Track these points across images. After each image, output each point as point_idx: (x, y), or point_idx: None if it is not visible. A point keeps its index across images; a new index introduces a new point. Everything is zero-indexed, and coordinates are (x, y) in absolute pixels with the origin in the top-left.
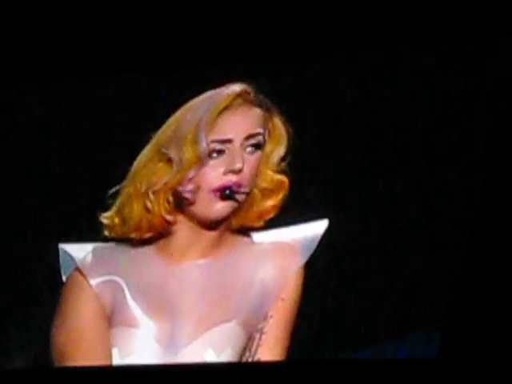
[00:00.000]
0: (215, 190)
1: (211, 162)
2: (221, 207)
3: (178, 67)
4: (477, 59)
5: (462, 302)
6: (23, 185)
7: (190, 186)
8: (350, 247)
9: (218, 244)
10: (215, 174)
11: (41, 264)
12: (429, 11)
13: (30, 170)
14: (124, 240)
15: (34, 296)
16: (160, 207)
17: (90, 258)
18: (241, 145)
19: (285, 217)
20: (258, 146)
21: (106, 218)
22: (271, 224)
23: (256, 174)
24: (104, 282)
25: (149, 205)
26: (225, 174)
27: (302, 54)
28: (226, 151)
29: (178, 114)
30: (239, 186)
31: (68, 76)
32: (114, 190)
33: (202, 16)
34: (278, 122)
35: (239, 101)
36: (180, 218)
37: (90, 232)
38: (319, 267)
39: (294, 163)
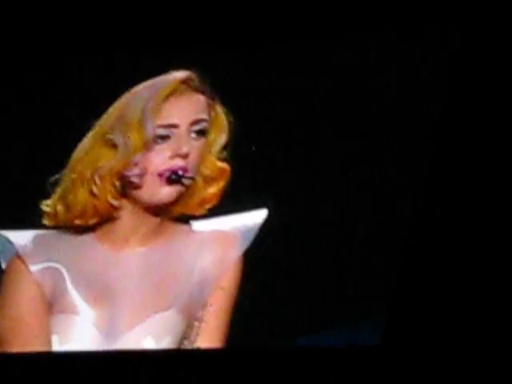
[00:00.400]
0: (161, 174)
1: (157, 147)
2: (166, 191)
3: (121, 54)
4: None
5: (404, 289)
6: None
7: (136, 171)
8: (289, 236)
9: (158, 232)
10: (161, 159)
11: None
12: None
13: None
14: (65, 227)
15: None
16: (106, 192)
17: (30, 244)
18: (186, 130)
19: (225, 206)
20: (202, 132)
21: (47, 205)
22: (212, 213)
23: (200, 160)
24: (44, 269)
25: (94, 189)
26: (171, 158)
27: (243, 43)
28: (172, 136)
29: (122, 100)
30: (185, 170)
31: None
32: (54, 177)
33: (149, 2)
34: (220, 111)
35: (183, 87)
36: (124, 203)
37: (30, 220)
38: (258, 256)
39: (234, 152)
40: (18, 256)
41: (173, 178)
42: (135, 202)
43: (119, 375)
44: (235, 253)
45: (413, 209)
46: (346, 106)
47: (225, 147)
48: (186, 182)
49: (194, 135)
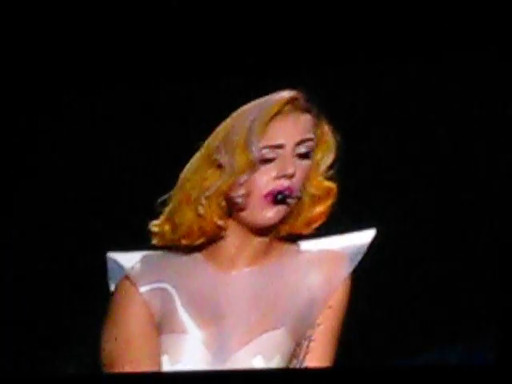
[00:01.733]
0: (266, 195)
1: (262, 168)
2: (272, 213)
3: (229, 75)
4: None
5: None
6: (73, 193)
7: (242, 191)
8: (397, 255)
9: (266, 252)
10: (267, 179)
11: (90, 273)
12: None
13: (80, 177)
14: (173, 248)
15: (83, 305)
16: (212, 212)
17: (138, 265)
18: (292, 150)
19: (333, 225)
20: (308, 152)
21: (155, 225)
22: (319, 233)
23: (306, 180)
24: (153, 290)
25: (201, 210)
26: (276, 178)
27: (352, 61)
28: (278, 157)
29: (229, 120)
30: (291, 190)
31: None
32: (163, 198)
33: (257, 24)
34: (326, 129)
35: (289, 107)
36: (230, 224)
37: (139, 241)
38: (366, 275)
39: (342, 171)
40: (127, 277)
41: (278, 198)
42: (241, 222)
43: None
44: (343, 272)
45: None
46: (455, 127)
47: (331, 166)
48: (291, 202)
49: (300, 155)
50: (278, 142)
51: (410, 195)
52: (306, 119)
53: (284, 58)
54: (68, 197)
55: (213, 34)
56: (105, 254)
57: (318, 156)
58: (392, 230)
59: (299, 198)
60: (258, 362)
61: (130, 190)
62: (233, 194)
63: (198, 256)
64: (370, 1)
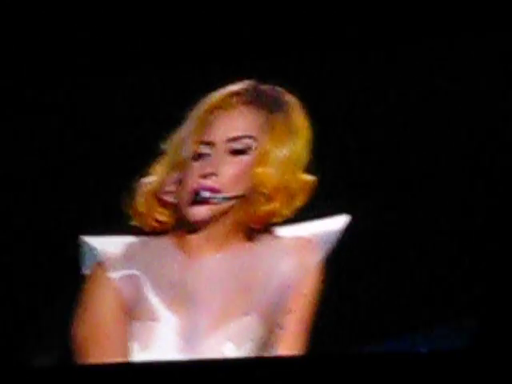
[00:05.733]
0: (190, 194)
1: (194, 164)
2: (197, 211)
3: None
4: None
5: (494, 291)
6: (45, 176)
7: (171, 188)
8: (369, 240)
9: (236, 238)
10: (193, 178)
11: (62, 257)
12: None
13: (52, 160)
14: (145, 234)
15: (56, 290)
16: (148, 207)
17: (110, 251)
18: (223, 147)
19: (305, 211)
20: (245, 149)
21: (127, 206)
22: (292, 219)
23: (243, 177)
24: (125, 276)
25: (139, 207)
26: (200, 177)
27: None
28: (209, 154)
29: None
30: (214, 190)
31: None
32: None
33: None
34: (284, 122)
35: (236, 100)
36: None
37: (113, 224)
38: (339, 261)
39: (315, 159)
40: (99, 263)
41: (197, 198)
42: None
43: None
44: (316, 259)
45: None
46: (424, 113)
47: (293, 157)
48: (216, 201)
49: (233, 152)
50: (208, 138)
51: (381, 179)
52: (252, 113)
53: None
54: (42, 179)
55: (171, 24)
56: (78, 237)
57: (268, 149)
58: (366, 215)
59: (229, 198)
60: (229, 349)
61: (106, 171)
62: (163, 191)
63: (169, 243)
64: None
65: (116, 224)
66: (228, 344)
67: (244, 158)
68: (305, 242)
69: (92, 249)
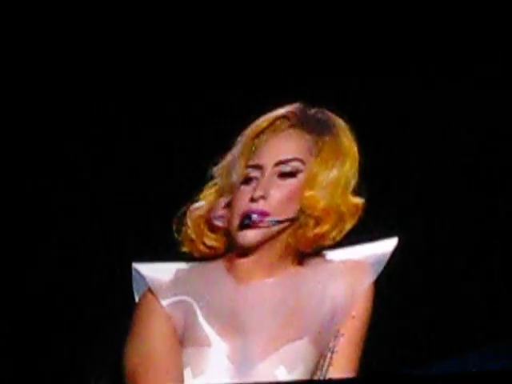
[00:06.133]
0: (239, 217)
1: (242, 188)
2: (246, 235)
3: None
4: None
5: None
6: (99, 202)
7: (221, 213)
8: (421, 263)
9: (286, 262)
10: (242, 201)
11: (115, 283)
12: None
13: (108, 188)
14: (196, 260)
15: (108, 318)
16: (200, 234)
17: (161, 278)
18: (271, 170)
19: (355, 234)
20: (294, 172)
21: (178, 234)
22: (341, 242)
23: (292, 200)
24: (175, 302)
25: (190, 232)
26: (249, 201)
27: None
28: (258, 177)
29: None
30: (264, 213)
31: None
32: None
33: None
34: (332, 145)
35: (282, 123)
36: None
37: (162, 251)
38: (390, 284)
39: (364, 181)
40: (150, 290)
41: (245, 222)
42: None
43: None
44: (366, 281)
45: None
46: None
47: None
48: (265, 225)
49: (282, 175)
50: (257, 161)
51: (432, 203)
52: (296, 136)
53: (294, 72)
54: (95, 205)
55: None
56: (131, 264)
57: (315, 172)
58: (415, 238)
59: (280, 222)
60: (281, 373)
61: (155, 201)
62: (212, 216)
63: (219, 268)
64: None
65: (167, 251)
66: (280, 368)
67: (293, 181)
68: (355, 265)
69: (143, 276)
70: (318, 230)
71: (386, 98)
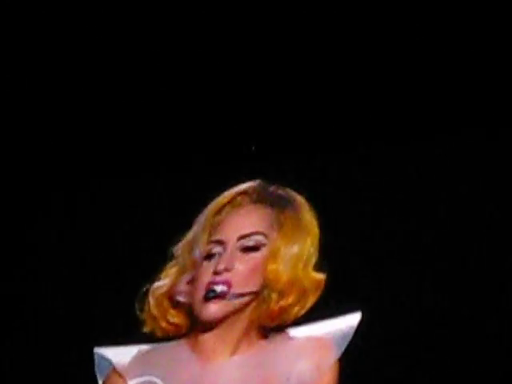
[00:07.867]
0: (203, 290)
1: (205, 263)
2: (210, 308)
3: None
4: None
5: None
6: (57, 288)
7: (185, 289)
8: (384, 338)
9: (248, 337)
10: (206, 275)
11: (76, 369)
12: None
13: (62, 272)
14: (160, 340)
15: None
16: (161, 310)
17: (126, 359)
18: (234, 245)
19: (317, 311)
20: (257, 246)
21: (140, 313)
22: (304, 319)
23: (255, 274)
24: (142, 383)
25: (153, 310)
26: (213, 274)
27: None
28: (220, 252)
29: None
30: (227, 283)
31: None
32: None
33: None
34: (293, 220)
35: (241, 200)
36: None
37: (126, 334)
38: (354, 359)
39: (324, 257)
40: (115, 371)
41: (209, 295)
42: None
43: None
44: (331, 358)
45: None
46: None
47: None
48: (229, 298)
49: (244, 249)
50: (219, 237)
51: (393, 277)
52: (260, 211)
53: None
54: (53, 292)
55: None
56: (92, 349)
57: (279, 246)
58: (378, 313)
59: (242, 295)
60: None
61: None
62: (175, 292)
63: (183, 347)
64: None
65: (128, 333)
66: None
67: (256, 255)
68: (319, 343)
69: (107, 359)
70: (282, 303)
71: (342, 174)
